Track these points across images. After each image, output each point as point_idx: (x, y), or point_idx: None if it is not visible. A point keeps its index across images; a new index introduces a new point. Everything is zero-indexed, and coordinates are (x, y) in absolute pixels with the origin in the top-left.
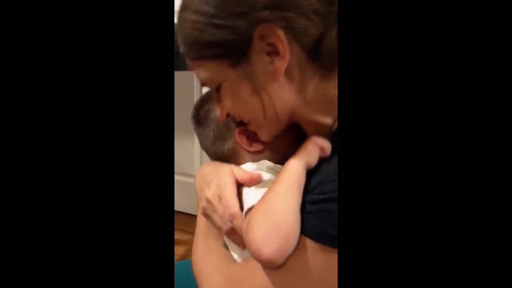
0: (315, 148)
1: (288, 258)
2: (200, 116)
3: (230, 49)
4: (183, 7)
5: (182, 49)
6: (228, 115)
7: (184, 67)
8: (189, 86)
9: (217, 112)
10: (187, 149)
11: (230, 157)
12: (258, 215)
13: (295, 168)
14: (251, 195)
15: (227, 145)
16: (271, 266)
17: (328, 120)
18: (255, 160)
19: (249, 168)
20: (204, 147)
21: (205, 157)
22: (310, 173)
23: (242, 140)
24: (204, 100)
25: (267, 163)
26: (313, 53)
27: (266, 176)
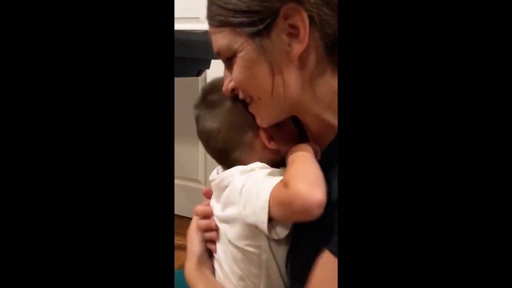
0: (314, 145)
1: (311, 274)
2: (212, 99)
3: (255, 19)
4: None
5: (209, 13)
6: (233, 90)
7: (189, 74)
8: (194, 92)
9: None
10: (192, 154)
11: (239, 149)
12: (296, 176)
13: (307, 148)
14: (265, 182)
15: (246, 137)
16: (313, 215)
17: (335, 121)
18: (263, 160)
19: (256, 165)
20: (209, 130)
21: (209, 162)
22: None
23: (263, 135)
24: (217, 84)
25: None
26: (330, 46)
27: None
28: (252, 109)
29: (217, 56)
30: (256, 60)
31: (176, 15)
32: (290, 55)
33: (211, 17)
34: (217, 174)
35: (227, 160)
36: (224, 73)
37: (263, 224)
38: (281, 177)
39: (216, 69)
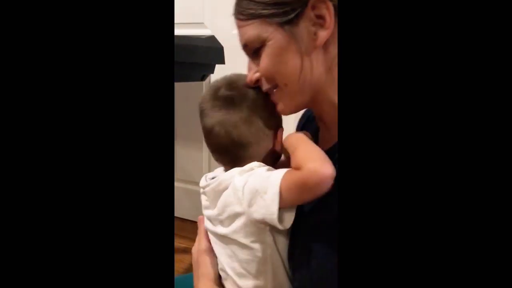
0: (306, 132)
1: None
2: (229, 94)
3: (285, 10)
4: None
5: (237, 9)
6: (256, 82)
7: (193, 78)
8: (198, 97)
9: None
10: (195, 158)
11: (255, 145)
12: (306, 157)
13: (301, 134)
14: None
15: (264, 134)
16: (326, 188)
17: None
18: (267, 158)
19: (254, 165)
20: (225, 124)
21: (213, 165)
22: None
23: (280, 133)
24: (232, 80)
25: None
26: None
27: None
28: (276, 96)
29: (244, 48)
30: (285, 47)
31: (181, 20)
32: (316, 41)
33: (240, 12)
34: (206, 181)
35: (235, 156)
36: (248, 65)
37: (273, 215)
38: (285, 169)
39: (220, 74)
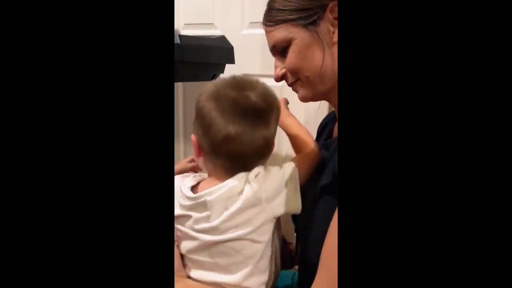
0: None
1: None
2: (260, 106)
3: (308, 14)
4: None
5: (266, 17)
6: (282, 77)
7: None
8: None
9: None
10: None
11: (269, 153)
12: (305, 140)
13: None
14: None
15: (272, 139)
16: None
17: None
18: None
19: (258, 169)
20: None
21: None
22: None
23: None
24: (250, 86)
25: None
26: None
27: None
28: (298, 87)
29: (272, 50)
30: (309, 44)
31: (191, 21)
32: (334, 38)
33: (268, 20)
34: (195, 194)
35: (251, 164)
36: (275, 63)
37: (298, 202)
38: (292, 164)
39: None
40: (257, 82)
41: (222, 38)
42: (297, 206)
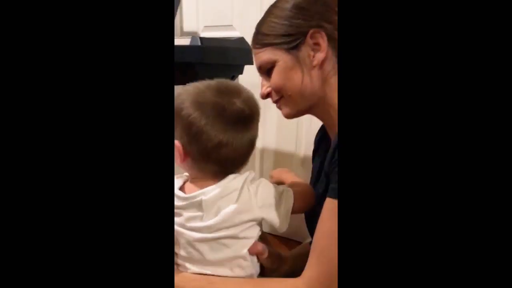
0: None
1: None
2: (247, 113)
3: (291, 39)
4: (267, 15)
5: (255, 40)
6: (267, 95)
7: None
8: None
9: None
10: None
11: (244, 159)
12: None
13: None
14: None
15: (254, 143)
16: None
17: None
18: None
19: (249, 174)
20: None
21: None
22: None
23: None
24: (235, 91)
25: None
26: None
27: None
28: (282, 104)
29: (259, 70)
30: (291, 66)
31: (210, 23)
32: (314, 62)
33: (256, 42)
34: (187, 194)
35: (239, 167)
36: (262, 82)
37: (285, 223)
38: (290, 190)
39: (249, 74)
40: (240, 87)
41: (241, 40)
42: (283, 226)
